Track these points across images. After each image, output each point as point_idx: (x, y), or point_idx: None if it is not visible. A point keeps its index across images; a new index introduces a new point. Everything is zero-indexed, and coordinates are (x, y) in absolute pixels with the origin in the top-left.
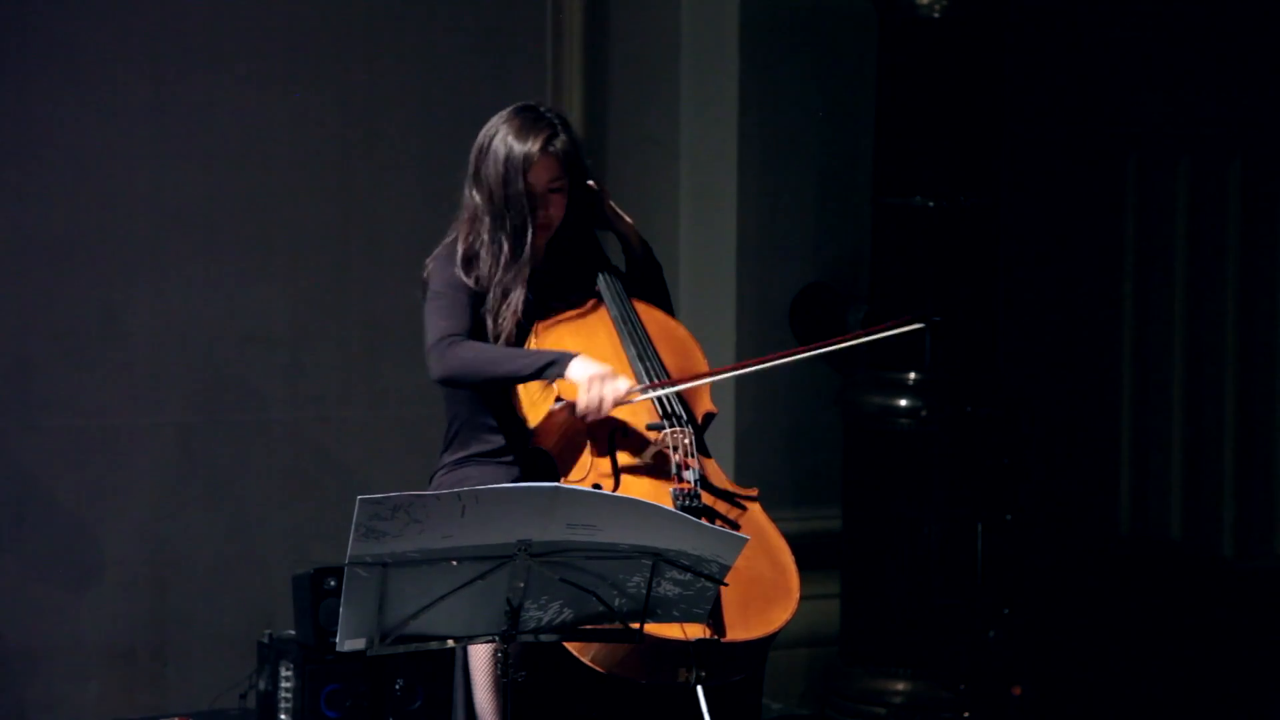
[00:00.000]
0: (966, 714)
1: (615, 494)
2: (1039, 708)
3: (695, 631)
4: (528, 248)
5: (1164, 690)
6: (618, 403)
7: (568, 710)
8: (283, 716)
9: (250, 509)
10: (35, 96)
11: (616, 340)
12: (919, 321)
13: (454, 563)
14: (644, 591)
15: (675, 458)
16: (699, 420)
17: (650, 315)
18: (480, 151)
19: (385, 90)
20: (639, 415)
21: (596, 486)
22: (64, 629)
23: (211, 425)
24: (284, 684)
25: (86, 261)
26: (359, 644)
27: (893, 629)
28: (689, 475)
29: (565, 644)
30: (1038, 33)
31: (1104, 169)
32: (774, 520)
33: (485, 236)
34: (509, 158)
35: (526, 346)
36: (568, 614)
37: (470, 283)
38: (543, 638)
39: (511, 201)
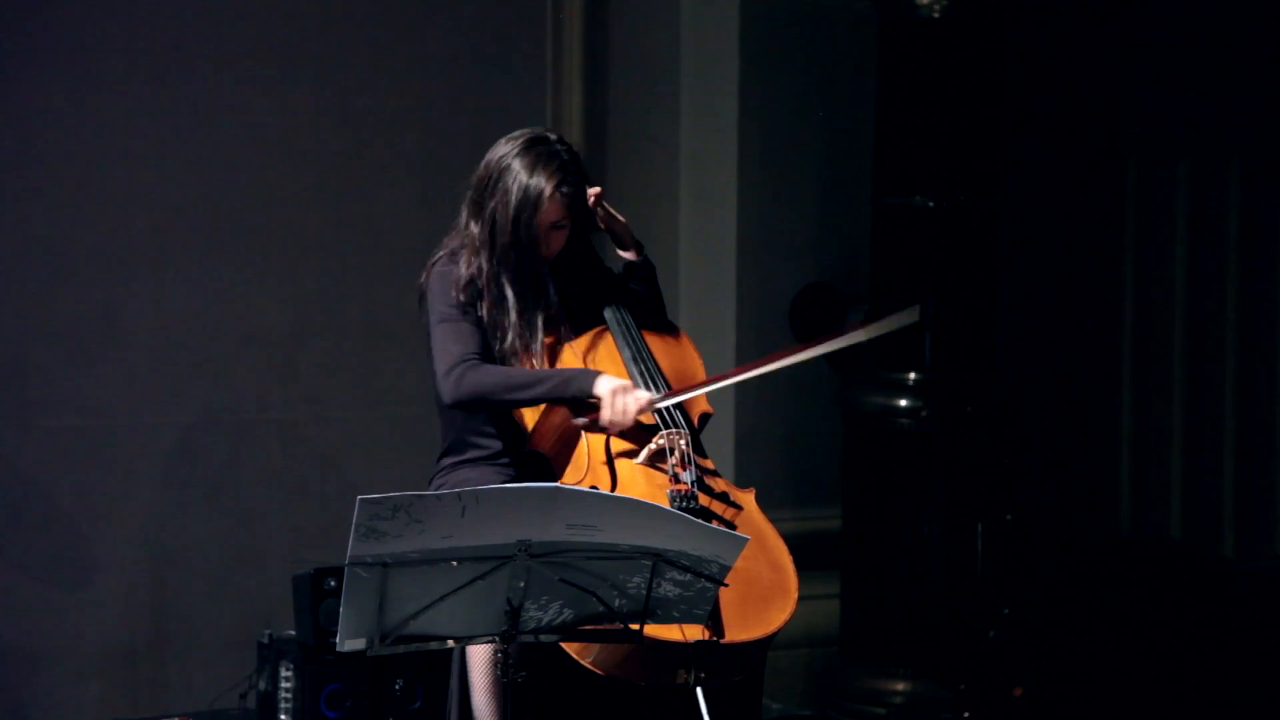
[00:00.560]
0: (966, 714)
1: (615, 494)
2: (1039, 708)
3: (694, 632)
4: (552, 300)
5: (1164, 690)
6: (640, 413)
7: (567, 711)
8: (283, 716)
9: (250, 509)
10: (35, 97)
11: (612, 344)
12: (915, 306)
13: (454, 563)
14: (644, 592)
15: (672, 460)
16: (695, 422)
17: (644, 316)
18: (488, 181)
19: (385, 91)
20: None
21: (594, 488)
22: (64, 629)
23: (211, 425)
24: (284, 684)
25: (86, 262)
26: (359, 644)
27: (893, 629)
28: (686, 477)
29: (565, 647)
30: (1038, 33)
31: (1104, 169)
32: (774, 520)
33: (485, 269)
34: (522, 198)
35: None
36: (568, 614)
37: (473, 309)
38: (543, 638)
39: (519, 244)
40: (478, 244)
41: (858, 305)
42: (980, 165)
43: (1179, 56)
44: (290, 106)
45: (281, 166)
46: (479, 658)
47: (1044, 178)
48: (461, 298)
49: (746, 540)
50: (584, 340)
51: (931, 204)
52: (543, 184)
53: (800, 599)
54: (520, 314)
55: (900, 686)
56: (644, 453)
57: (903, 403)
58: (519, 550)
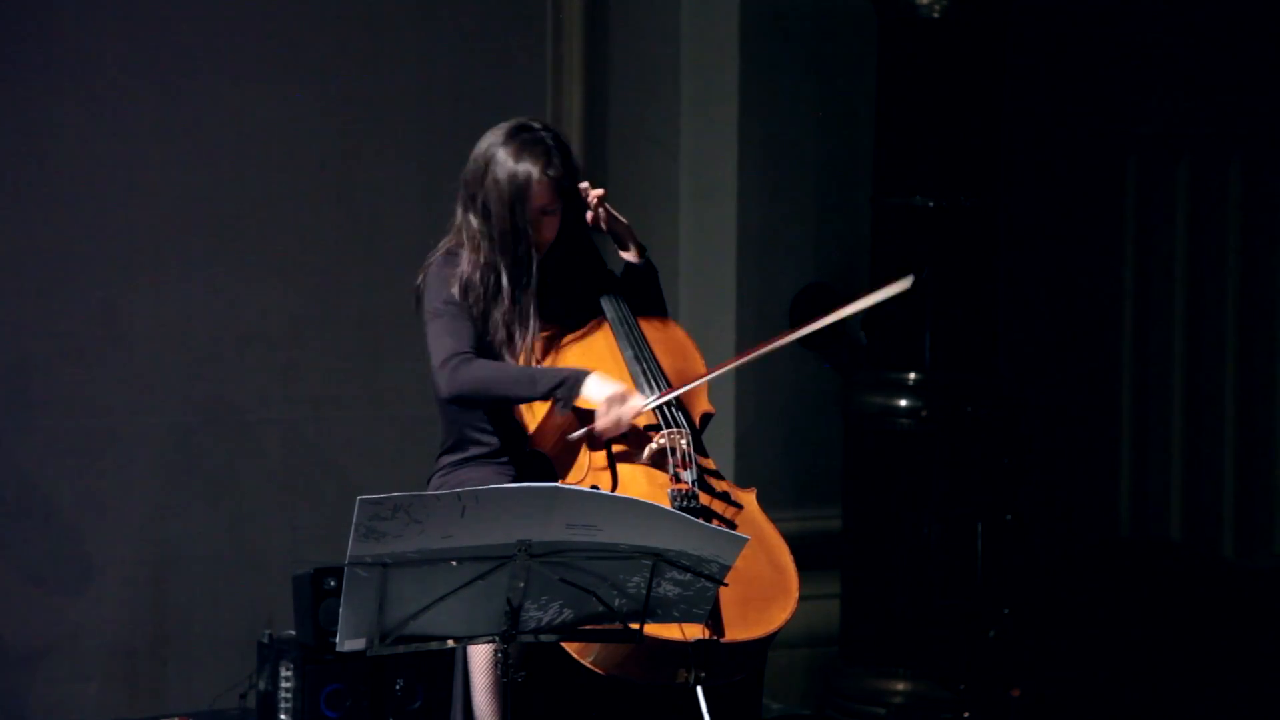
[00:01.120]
0: (966, 714)
1: (615, 494)
2: (1039, 708)
3: (695, 632)
4: (534, 278)
5: (1164, 690)
6: (635, 418)
7: (567, 711)
8: (283, 716)
9: (250, 509)
10: (35, 97)
11: (613, 343)
12: (910, 275)
13: (454, 563)
14: (644, 592)
15: (673, 459)
16: (696, 421)
17: (649, 320)
18: (477, 174)
19: (385, 90)
20: (638, 417)
21: (594, 488)
22: (64, 629)
23: (211, 425)
24: (284, 684)
25: (86, 261)
26: (359, 644)
27: (893, 629)
28: (687, 476)
29: (565, 646)
30: (1038, 33)
31: (1104, 169)
32: (774, 520)
33: (480, 260)
34: (508, 186)
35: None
36: (568, 614)
37: (467, 304)
38: (543, 638)
39: (511, 231)
40: (478, 238)
41: None
42: (980, 165)
43: (1179, 56)
44: (290, 106)
45: (281, 166)
46: (480, 658)
47: (1044, 178)
48: (457, 294)
49: (746, 540)
50: (586, 339)
51: (931, 204)
52: (529, 169)
53: (800, 599)
54: (512, 300)
55: (900, 686)
56: (645, 452)
57: (903, 403)
58: (519, 550)
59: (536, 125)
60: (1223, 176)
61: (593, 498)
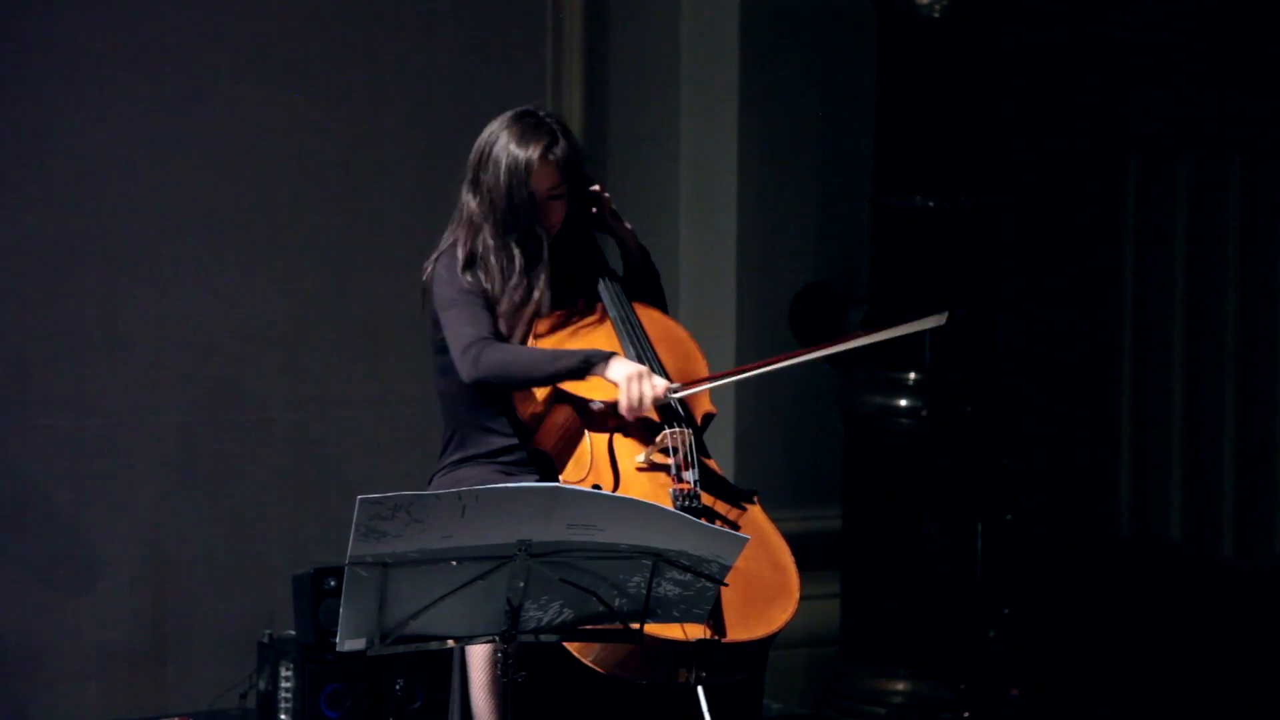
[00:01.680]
0: (966, 714)
1: (615, 494)
2: (1039, 708)
3: (696, 632)
4: (545, 251)
5: (1164, 690)
6: (656, 400)
7: (568, 710)
8: (283, 716)
9: (250, 509)
10: (35, 97)
11: (616, 342)
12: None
13: (454, 563)
14: (644, 592)
15: (675, 459)
16: (698, 421)
17: (649, 317)
18: (480, 158)
19: (385, 90)
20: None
21: (596, 487)
22: (64, 629)
23: (211, 425)
24: (284, 684)
25: (86, 262)
26: (359, 644)
27: (893, 629)
28: (689, 476)
29: (565, 645)
30: (1038, 33)
31: (1104, 169)
32: (774, 520)
33: (490, 243)
34: (511, 166)
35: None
36: (568, 614)
37: (479, 287)
38: (543, 638)
39: (517, 209)
40: (477, 219)
41: (858, 305)
42: (980, 165)
43: (1179, 56)
44: (290, 106)
45: (281, 166)
46: (478, 656)
47: (1044, 178)
48: (467, 278)
49: (747, 540)
50: (588, 335)
51: (931, 204)
52: (531, 151)
53: (800, 599)
54: (521, 273)
55: (900, 686)
56: (647, 451)
57: (903, 403)
58: (519, 550)
59: (540, 112)
60: (1223, 176)
61: (593, 497)
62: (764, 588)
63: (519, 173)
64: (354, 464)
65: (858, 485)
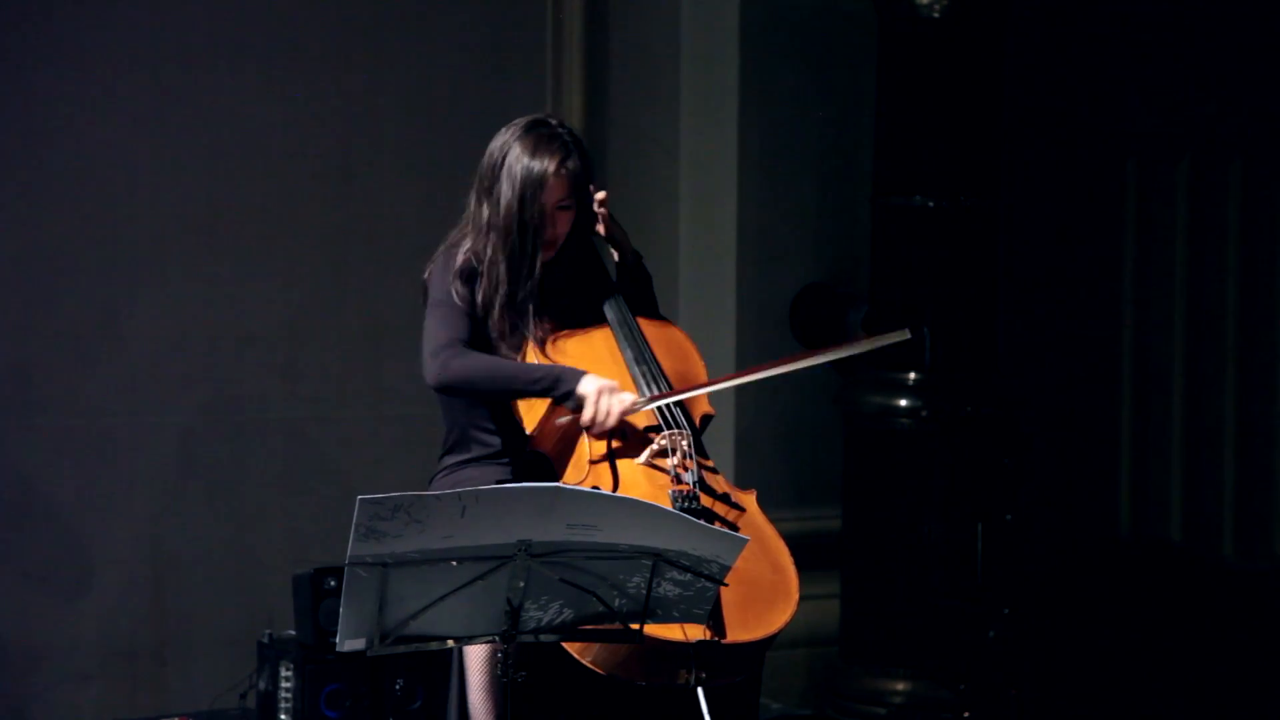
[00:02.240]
0: (966, 714)
1: (615, 494)
2: (1039, 708)
3: (695, 632)
4: (537, 270)
5: (1164, 691)
6: (624, 415)
7: (567, 711)
8: (283, 716)
9: (250, 509)
10: (36, 98)
11: (614, 344)
12: (905, 330)
13: (454, 563)
14: (644, 592)
15: (673, 460)
16: (697, 423)
17: (649, 321)
18: (493, 167)
19: (385, 90)
20: (638, 418)
21: (595, 489)
22: (64, 629)
23: (211, 425)
24: (284, 684)
25: (87, 262)
26: (359, 644)
27: (893, 629)
28: (687, 477)
29: (565, 645)
30: (1038, 33)
31: (1104, 169)
32: (774, 520)
33: (490, 254)
34: (525, 178)
35: (524, 348)
36: (568, 614)
37: (468, 295)
38: (543, 638)
39: (526, 221)
40: (484, 226)
41: (858, 306)
42: (980, 165)
43: (1179, 56)
44: (290, 106)
45: (281, 166)
46: (476, 657)
47: (1044, 178)
48: (458, 283)
49: (746, 541)
50: (587, 339)
51: (931, 204)
52: (546, 164)
53: (800, 599)
54: (513, 294)
55: (900, 686)
56: (646, 453)
57: (903, 403)
58: (519, 550)
59: (553, 121)
60: (1223, 176)
61: (593, 498)
62: (763, 589)
63: (532, 185)
64: (354, 464)
65: (858, 485)
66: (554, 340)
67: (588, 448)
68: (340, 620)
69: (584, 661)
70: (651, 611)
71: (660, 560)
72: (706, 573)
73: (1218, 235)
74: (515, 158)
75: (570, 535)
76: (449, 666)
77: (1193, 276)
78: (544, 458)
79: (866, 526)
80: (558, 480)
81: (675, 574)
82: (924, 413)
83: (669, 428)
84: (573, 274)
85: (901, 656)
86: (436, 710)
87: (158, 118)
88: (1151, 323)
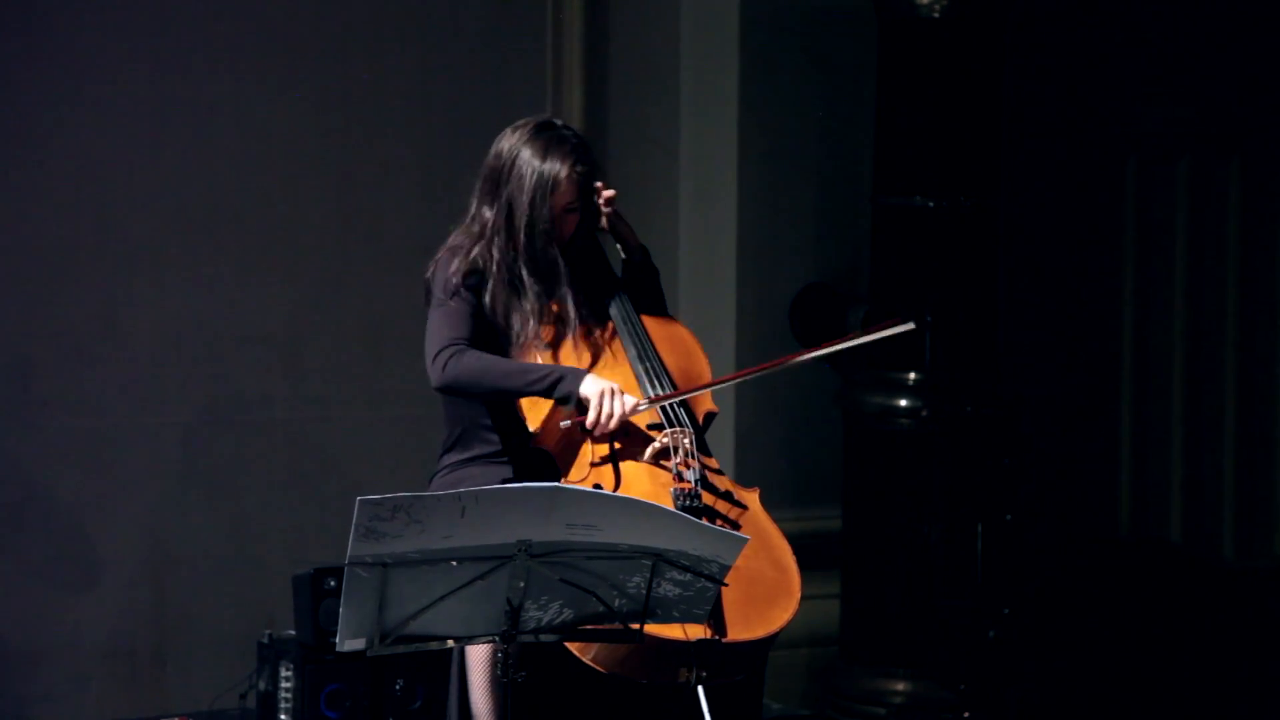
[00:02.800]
0: (966, 714)
1: (615, 494)
2: (1039, 708)
3: (696, 631)
4: (543, 270)
5: (1164, 691)
6: (626, 417)
7: (568, 710)
8: (283, 716)
9: (250, 509)
10: (35, 97)
11: (618, 341)
12: (910, 321)
13: (454, 563)
14: (644, 592)
15: (676, 458)
16: (700, 421)
17: (653, 319)
18: (502, 169)
19: (385, 90)
20: (640, 417)
21: (597, 487)
22: (64, 629)
23: (211, 425)
24: (284, 684)
25: (87, 262)
26: (359, 644)
27: (893, 629)
28: (690, 475)
29: (566, 644)
30: (1038, 33)
31: (1104, 169)
32: (774, 520)
33: (497, 255)
34: (537, 181)
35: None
36: (568, 614)
37: (473, 296)
38: (543, 638)
39: (536, 223)
40: (490, 230)
41: (857, 305)
42: (980, 165)
43: (1179, 56)
44: (290, 106)
45: (281, 166)
46: (477, 656)
47: (1044, 178)
48: (461, 284)
49: (746, 540)
50: (590, 337)
51: (931, 204)
52: (558, 167)
53: (801, 599)
54: (537, 299)
55: (900, 686)
56: (648, 451)
57: (903, 403)
58: (519, 550)
59: (559, 123)
60: (1223, 176)
61: (592, 497)
62: (765, 587)
63: (543, 188)
64: (354, 464)
65: (858, 485)
66: (557, 338)
67: (590, 447)
68: (340, 620)
69: (584, 660)
70: (651, 611)
71: (660, 560)
72: (706, 573)
73: (1218, 235)
74: (526, 160)
75: (570, 535)
76: (449, 666)
77: (1192, 276)
78: (546, 456)
79: (867, 526)
80: (560, 479)
81: (675, 574)
82: (924, 413)
83: (671, 426)
84: (578, 272)
85: (901, 656)
86: (436, 710)
87: (158, 117)
88: (1151, 323)
